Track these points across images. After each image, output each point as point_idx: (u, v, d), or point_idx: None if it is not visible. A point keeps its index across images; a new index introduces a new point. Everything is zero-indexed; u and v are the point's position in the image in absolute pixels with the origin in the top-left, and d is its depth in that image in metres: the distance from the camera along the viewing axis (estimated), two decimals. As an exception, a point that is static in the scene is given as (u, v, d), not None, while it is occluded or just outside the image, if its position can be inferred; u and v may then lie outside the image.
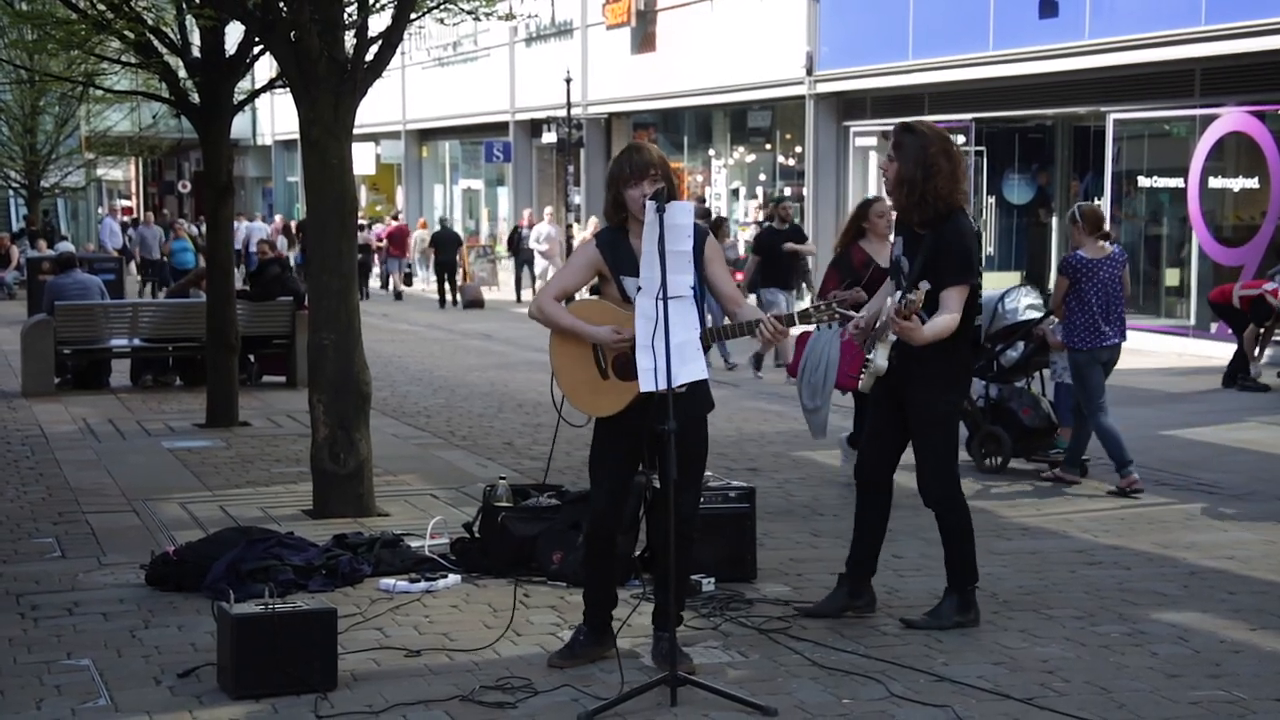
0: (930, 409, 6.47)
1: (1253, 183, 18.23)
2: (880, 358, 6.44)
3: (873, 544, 6.72)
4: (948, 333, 6.28)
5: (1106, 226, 10.18)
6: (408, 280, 34.19)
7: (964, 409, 6.40)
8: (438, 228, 32.40)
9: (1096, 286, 9.72)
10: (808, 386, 9.87)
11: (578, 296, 6.46)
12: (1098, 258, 9.83)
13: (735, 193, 28.84)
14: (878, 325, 6.50)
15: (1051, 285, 11.23)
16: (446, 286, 29.79)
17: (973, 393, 9.35)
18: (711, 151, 29.91)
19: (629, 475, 6.15)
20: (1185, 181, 19.03)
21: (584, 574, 6.24)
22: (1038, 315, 10.72)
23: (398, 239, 33.99)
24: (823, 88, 24.71)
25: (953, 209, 6.36)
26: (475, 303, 29.13)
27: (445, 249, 30.24)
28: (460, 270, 30.50)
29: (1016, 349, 10.80)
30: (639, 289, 5.75)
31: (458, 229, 33.57)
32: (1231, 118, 18.41)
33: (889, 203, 7.67)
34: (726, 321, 6.20)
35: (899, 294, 6.37)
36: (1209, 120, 18.68)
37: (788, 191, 25.85)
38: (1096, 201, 20.43)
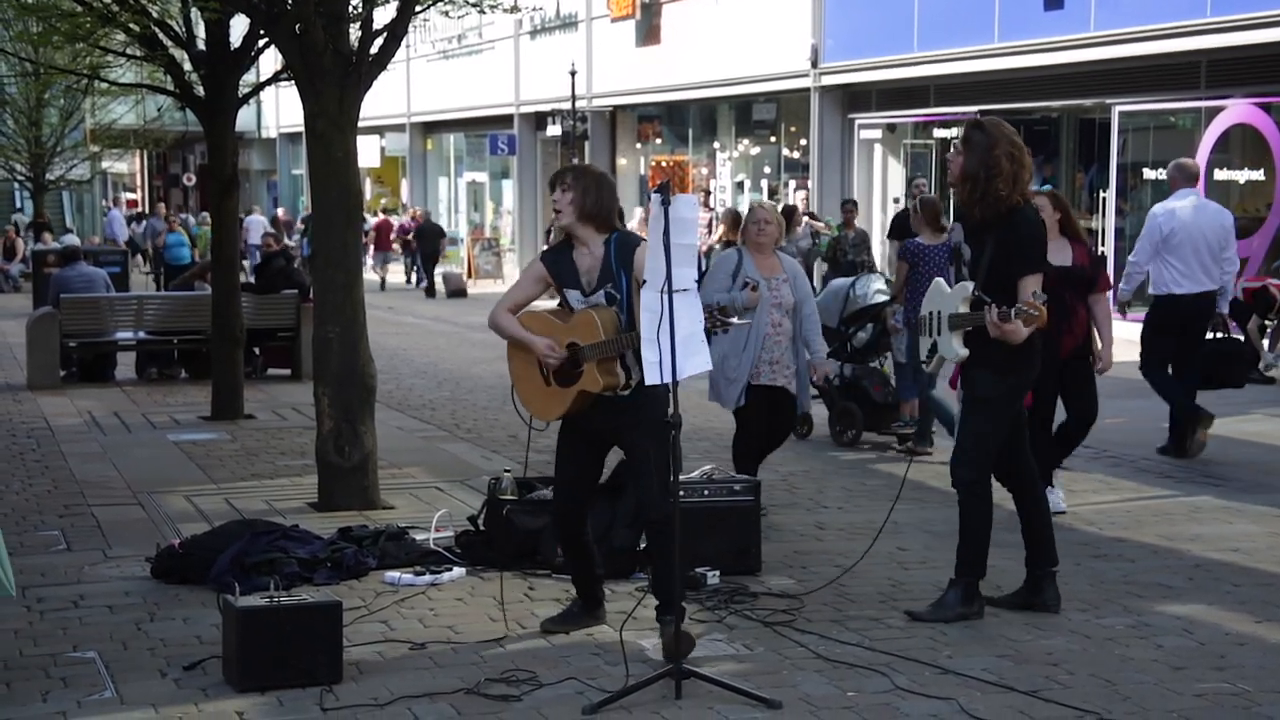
0: (978, 387, 6.52)
1: (1258, 175, 18.20)
2: (958, 346, 6.46)
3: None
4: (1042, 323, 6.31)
5: (944, 220, 10.91)
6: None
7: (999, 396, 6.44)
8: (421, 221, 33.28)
9: (931, 271, 10.07)
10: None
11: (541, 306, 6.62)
12: (934, 244, 10.58)
13: (740, 185, 28.81)
14: (937, 315, 6.55)
15: None
16: (419, 275, 31.31)
17: (830, 372, 10.01)
18: (716, 144, 29.88)
19: (587, 473, 6.38)
20: (1191, 173, 18.98)
21: (564, 560, 6.66)
22: (885, 299, 11.38)
23: (384, 232, 34.33)
24: (828, 80, 24.68)
25: (1014, 207, 6.42)
26: (459, 292, 30.50)
27: (427, 241, 31.65)
28: (442, 260, 31.95)
29: (867, 330, 11.62)
30: (581, 300, 6.14)
31: (462, 221, 33.66)
32: (1237, 110, 18.38)
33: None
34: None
35: (990, 304, 6.33)
36: (1214, 112, 18.65)
37: (792, 185, 25.83)
38: (1102, 194, 20.43)
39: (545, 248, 7.43)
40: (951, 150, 6.62)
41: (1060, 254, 8.32)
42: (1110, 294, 9.73)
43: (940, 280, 6.79)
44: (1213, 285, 10.59)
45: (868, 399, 11.54)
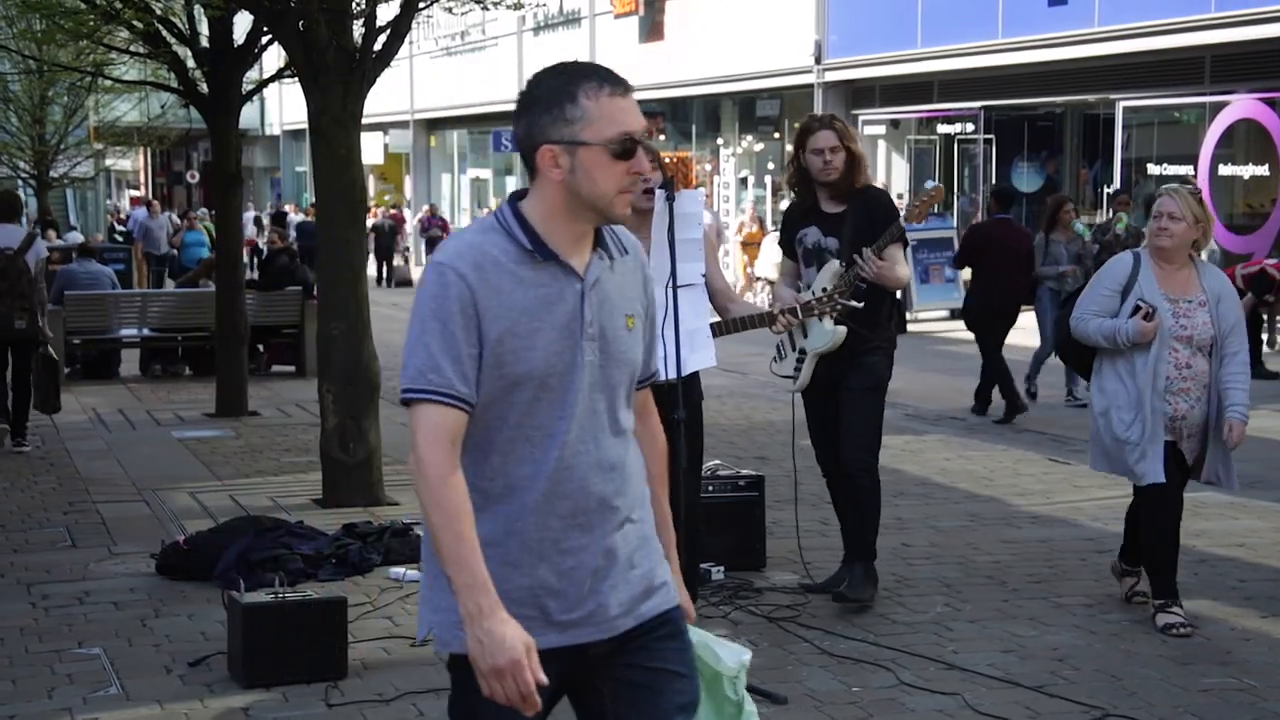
0: (878, 371, 6.63)
1: (1263, 170, 18.18)
2: (830, 326, 6.46)
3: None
4: (907, 279, 6.71)
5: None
6: None
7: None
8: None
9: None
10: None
11: None
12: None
13: (744, 181, 28.81)
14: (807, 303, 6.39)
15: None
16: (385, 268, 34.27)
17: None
18: (720, 140, 29.88)
19: None
20: (1195, 169, 18.99)
21: None
22: None
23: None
24: (831, 76, 24.68)
25: (865, 186, 6.73)
26: (404, 282, 33.54)
27: (383, 236, 34.14)
28: (396, 254, 35.39)
29: None
30: None
31: (465, 218, 33.73)
32: (1241, 105, 18.36)
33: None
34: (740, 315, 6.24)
35: (840, 262, 6.49)
36: (1219, 107, 18.63)
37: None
38: (1106, 189, 20.42)
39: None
40: (825, 137, 6.57)
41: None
42: None
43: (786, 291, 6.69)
44: None
45: None
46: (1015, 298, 12.86)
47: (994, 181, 22.61)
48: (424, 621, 3.02)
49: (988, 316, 12.73)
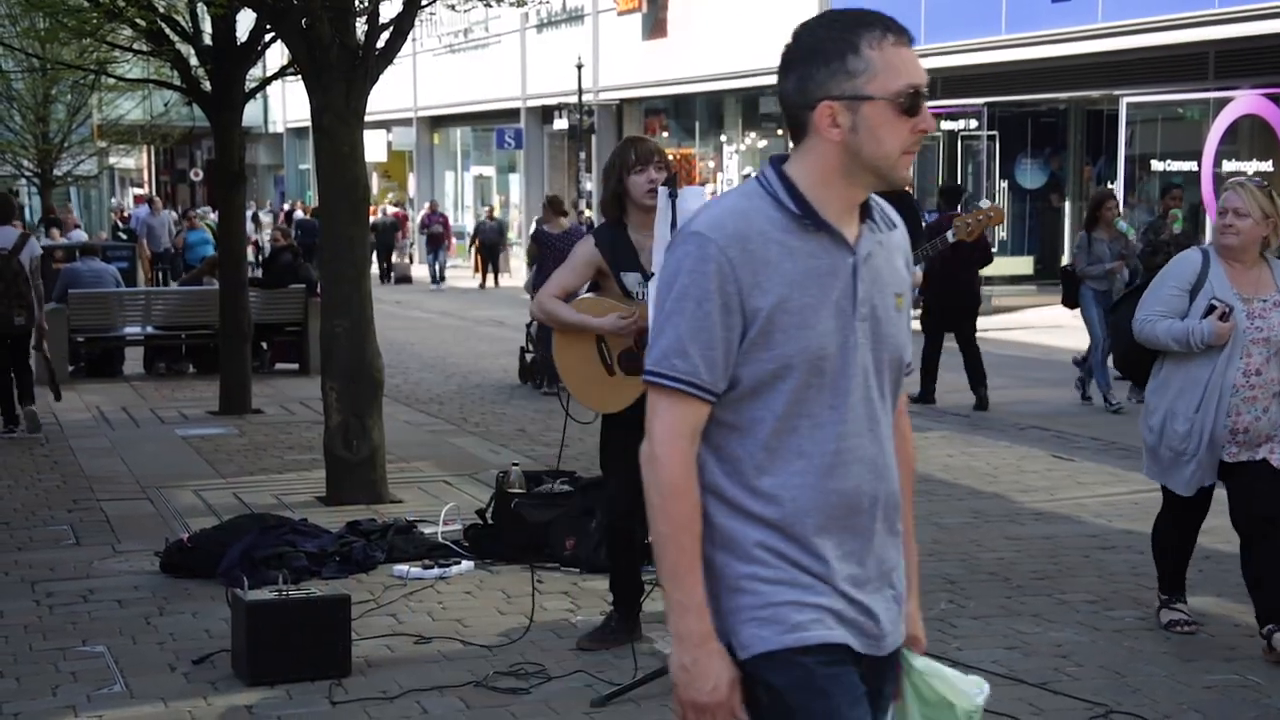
0: None
1: (1267, 166, 18.16)
2: None
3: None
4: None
5: (567, 209, 13.84)
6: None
7: None
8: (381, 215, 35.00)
9: (554, 255, 12.02)
10: None
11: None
12: (556, 233, 13.67)
13: (747, 179, 28.79)
14: None
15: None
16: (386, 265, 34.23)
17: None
18: (723, 137, 29.87)
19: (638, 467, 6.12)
20: (1198, 165, 18.97)
21: (609, 566, 6.23)
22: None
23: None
24: (835, 72, 24.64)
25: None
26: (404, 279, 34.12)
27: (383, 233, 34.09)
28: (396, 251, 35.53)
29: None
30: (641, 283, 5.78)
31: (468, 215, 33.76)
32: (1245, 101, 18.34)
33: None
34: None
35: None
36: (1223, 103, 18.61)
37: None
38: (1109, 185, 20.40)
39: (590, 229, 7.18)
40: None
41: None
42: None
43: None
44: None
45: (546, 354, 13.55)
46: (972, 293, 12.93)
47: (999, 178, 22.61)
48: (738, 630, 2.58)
49: (947, 315, 12.81)
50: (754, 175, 2.67)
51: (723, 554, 2.57)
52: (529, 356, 14.95)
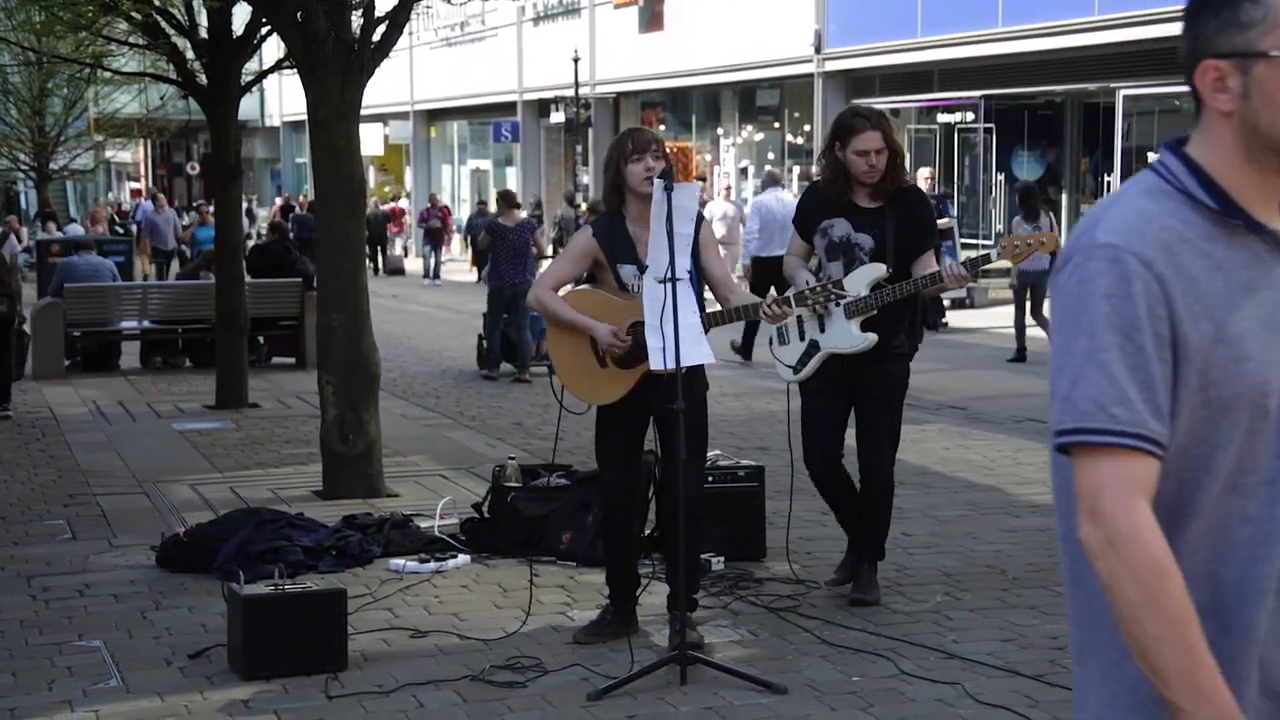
0: (903, 377, 6.52)
1: (1263, 158, 18.17)
2: (857, 330, 6.32)
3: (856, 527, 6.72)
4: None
5: (520, 203, 15.27)
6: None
7: None
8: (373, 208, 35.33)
9: (507, 246, 14.69)
10: None
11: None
12: (510, 225, 14.85)
13: (744, 171, 28.79)
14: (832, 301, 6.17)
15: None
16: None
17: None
18: (720, 130, 29.86)
19: (637, 459, 6.14)
20: (1195, 158, 18.96)
21: (605, 559, 6.25)
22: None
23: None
24: (831, 66, 24.65)
25: (908, 185, 6.58)
26: (396, 271, 34.37)
27: (374, 226, 34.10)
28: (388, 244, 35.73)
29: None
30: (637, 275, 5.77)
31: (465, 209, 33.76)
32: (1242, 93, 18.34)
33: None
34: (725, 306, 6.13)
35: (886, 268, 6.32)
36: (1219, 96, 18.60)
37: (795, 169, 25.79)
38: (1107, 178, 20.41)
39: (585, 221, 7.18)
40: (872, 139, 6.29)
41: None
42: None
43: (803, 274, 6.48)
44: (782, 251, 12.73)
45: (508, 340, 14.88)
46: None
47: (995, 171, 22.61)
48: None
49: None
50: (1150, 165, 2.18)
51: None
52: (484, 344, 15.52)
